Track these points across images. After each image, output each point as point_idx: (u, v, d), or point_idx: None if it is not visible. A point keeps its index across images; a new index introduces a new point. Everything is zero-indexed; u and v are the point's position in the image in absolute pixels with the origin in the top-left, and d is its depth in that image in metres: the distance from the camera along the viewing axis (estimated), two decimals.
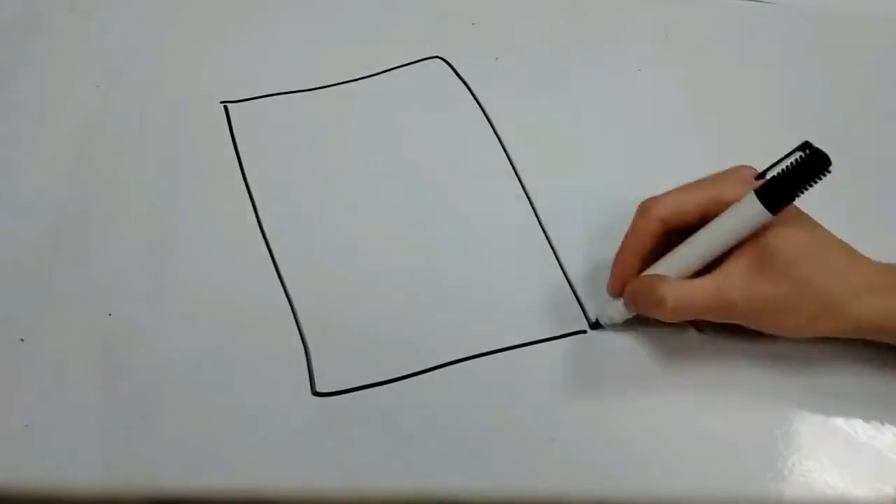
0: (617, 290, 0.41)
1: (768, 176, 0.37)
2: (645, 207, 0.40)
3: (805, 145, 0.37)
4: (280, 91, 0.53)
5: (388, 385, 0.40)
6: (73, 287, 0.43)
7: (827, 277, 0.37)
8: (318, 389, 0.40)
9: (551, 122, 0.52)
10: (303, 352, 0.41)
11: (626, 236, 0.41)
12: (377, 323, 0.42)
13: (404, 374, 0.41)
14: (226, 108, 0.52)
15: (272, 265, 0.44)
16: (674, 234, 0.40)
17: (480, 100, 0.53)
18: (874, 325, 0.38)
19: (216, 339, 0.41)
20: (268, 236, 0.45)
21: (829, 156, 0.35)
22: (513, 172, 0.49)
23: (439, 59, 0.55)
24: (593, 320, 0.43)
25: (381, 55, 0.55)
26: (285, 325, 0.42)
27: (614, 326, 0.42)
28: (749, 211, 0.37)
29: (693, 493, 0.38)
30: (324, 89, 0.53)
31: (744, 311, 0.38)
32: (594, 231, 0.46)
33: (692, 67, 0.55)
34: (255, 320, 0.42)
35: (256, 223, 0.46)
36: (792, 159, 0.36)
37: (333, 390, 0.40)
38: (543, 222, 0.47)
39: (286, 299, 0.43)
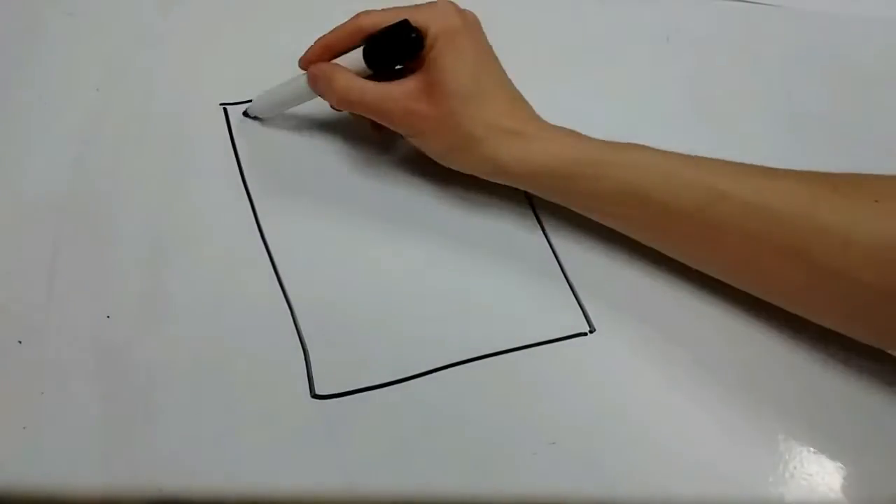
0: (304, 64, 0.46)
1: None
2: (358, 16, 0.44)
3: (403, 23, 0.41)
4: None
5: (387, 388, 0.40)
6: (71, 289, 0.43)
7: (474, 113, 0.41)
8: (318, 392, 0.40)
9: (553, 124, 0.52)
10: (302, 354, 0.41)
11: (332, 30, 0.45)
12: (376, 325, 0.42)
13: (403, 376, 0.40)
14: (225, 110, 0.52)
15: (271, 267, 0.44)
16: None
17: None
18: (505, 166, 0.42)
19: (215, 341, 0.41)
20: (267, 238, 0.45)
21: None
22: None
23: None
24: (247, 113, 0.50)
25: None
26: (284, 328, 0.42)
27: (264, 116, 0.49)
28: None
29: (694, 497, 0.38)
30: None
31: (397, 122, 0.43)
32: (595, 234, 0.46)
33: (693, 69, 0.55)
34: (254, 322, 0.42)
35: (255, 225, 0.46)
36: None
37: (332, 393, 0.40)
38: (543, 222, 0.47)
39: (285, 302, 0.43)
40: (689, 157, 0.41)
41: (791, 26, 0.58)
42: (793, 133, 0.51)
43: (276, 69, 0.54)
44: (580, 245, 0.46)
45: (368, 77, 0.43)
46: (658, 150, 0.41)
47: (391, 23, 0.42)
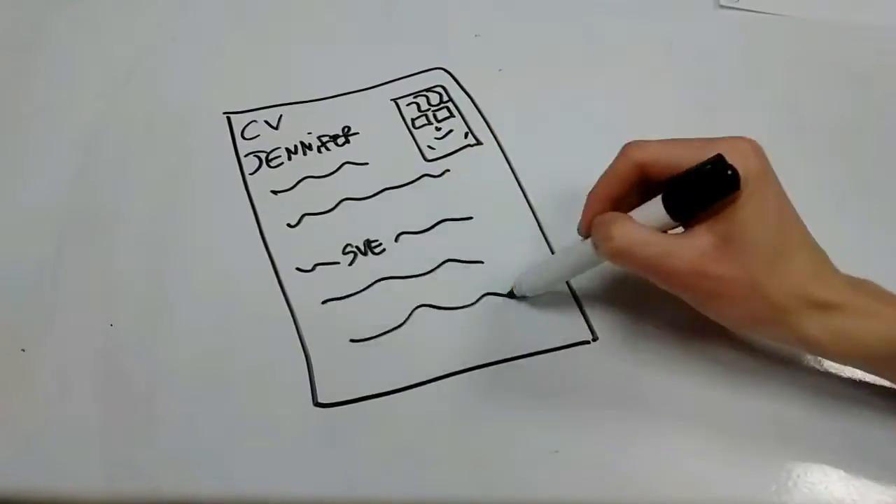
0: (585, 231, 0.39)
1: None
2: (626, 149, 0.38)
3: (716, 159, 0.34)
4: (283, 102, 0.53)
5: (389, 396, 0.40)
6: (74, 297, 0.43)
7: (784, 282, 0.35)
8: (320, 400, 0.40)
9: (554, 132, 0.52)
10: (304, 362, 0.41)
11: (602, 175, 0.39)
12: (379, 333, 0.42)
13: (406, 384, 0.40)
14: (228, 118, 0.52)
15: (274, 275, 0.44)
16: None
17: (483, 110, 0.53)
18: (818, 344, 0.36)
19: (217, 348, 0.41)
20: (269, 246, 0.45)
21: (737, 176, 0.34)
22: (515, 181, 0.49)
23: (442, 71, 0.55)
24: (510, 290, 0.43)
25: (384, 66, 0.55)
26: (287, 336, 0.42)
27: (532, 293, 0.42)
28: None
29: None
30: (327, 100, 0.53)
31: (685, 286, 0.36)
32: None
33: (695, 78, 0.55)
34: (256, 331, 0.42)
35: (258, 233, 0.46)
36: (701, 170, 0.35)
37: (335, 401, 0.40)
38: (546, 232, 0.47)
39: (288, 309, 0.43)
40: None
41: (792, 35, 0.58)
42: (795, 141, 0.51)
43: (279, 78, 0.54)
44: None
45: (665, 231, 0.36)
46: None
47: (674, 154, 0.35)
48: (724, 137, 0.36)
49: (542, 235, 0.46)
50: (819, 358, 0.41)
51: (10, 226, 0.46)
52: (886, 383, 0.39)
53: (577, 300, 0.44)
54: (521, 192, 0.48)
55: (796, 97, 0.54)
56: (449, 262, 0.45)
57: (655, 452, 0.39)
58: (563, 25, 0.59)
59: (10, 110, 0.52)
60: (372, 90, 0.54)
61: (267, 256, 0.45)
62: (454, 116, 0.52)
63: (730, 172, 0.33)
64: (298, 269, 0.45)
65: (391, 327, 0.42)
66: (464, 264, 0.45)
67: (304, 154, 0.50)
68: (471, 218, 0.47)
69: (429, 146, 0.51)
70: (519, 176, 0.49)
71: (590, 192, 0.39)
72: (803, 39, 0.58)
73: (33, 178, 0.48)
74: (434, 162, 0.50)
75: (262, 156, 0.50)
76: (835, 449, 0.39)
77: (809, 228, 0.46)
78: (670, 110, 0.53)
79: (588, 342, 0.42)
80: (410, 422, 0.39)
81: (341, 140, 0.51)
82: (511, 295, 0.43)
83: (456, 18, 0.59)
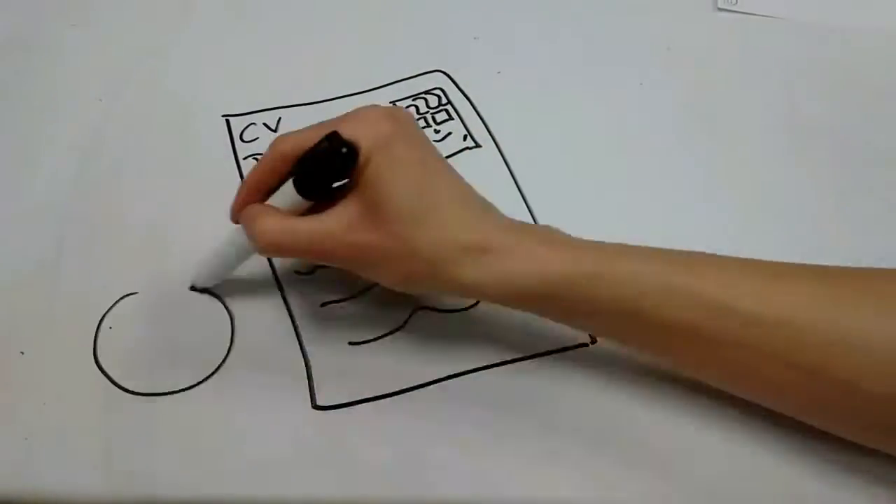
0: (233, 217, 0.40)
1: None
2: (274, 141, 0.38)
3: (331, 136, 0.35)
4: (282, 104, 0.53)
5: (388, 399, 0.40)
6: (73, 300, 0.43)
7: (435, 234, 0.35)
8: (319, 403, 0.40)
9: (553, 134, 0.52)
10: (303, 365, 0.41)
11: (254, 167, 0.39)
12: (378, 336, 0.42)
13: (405, 387, 0.40)
14: (227, 121, 0.52)
15: (273, 277, 0.44)
16: None
17: (482, 112, 0.53)
18: (477, 288, 0.36)
19: (217, 351, 0.41)
20: None
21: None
22: (514, 184, 0.49)
23: (441, 73, 0.55)
24: (195, 287, 0.43)
25: (383, 69, 0.55)
26: (286, 339, 0.42)
27: (211, 286, 0.42)
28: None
29: None
30: (326, 102, 0.53)
31: (342, 259, 0.37)
32: None
33: (693, 80, 0.55)
34: (256, 333, 0.42)
35: None
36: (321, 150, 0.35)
37: (334, 404, 0.40)
38: None
39: (287, 312, 0.43)
40: (686, 259, 0.36)
41: (791, 38, 0.58)
42: (793, 145, 0.51)
43: (278, 81, 0.54)
44: None
45: (308, 210, 0.37)
46: (651, 254, 0.37)
47: (316, 140, 0.36)
48: (354, 110, 0.37)
49: None
50: None
51: (9, 226, 0.46)
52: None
53: None
54: (519, 195, 0.49)
55: (794, 99, 0.54)
56: None
57: (652, 454, 0.39)
58: (561, 28, 0.59)
59: (10, 112, 0.52)
60: (371, 93, 0.54)
61: (266, 259, 0.45)
62: (453, 119, 0.53)
63: (344, 149, 0.34)
64: (297, 271, 0.45)
65: (390, 330, 0.42)
66: None
67: None
68: None
69: None
70: (517, 178, 0.49)
71: (241, 183, 0.39)
72: (801, 42, 0.58)
73: (33, 181, 0.48)
74: None
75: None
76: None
77: (809, 228, 0.47)
78: (668, 112, 0.53)
79: (587, 345, 0.42)
80: (408, 425, 0.39)
81: None
82: (193, 289, 0.43)
83: (455, 21, 0.59)
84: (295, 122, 0.51)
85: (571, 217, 0.47)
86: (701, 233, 0.46)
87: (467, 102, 0.54)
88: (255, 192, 0.38)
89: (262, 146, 0.50)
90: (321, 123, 0.37)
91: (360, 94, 0.54)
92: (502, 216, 0.38)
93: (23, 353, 0.41)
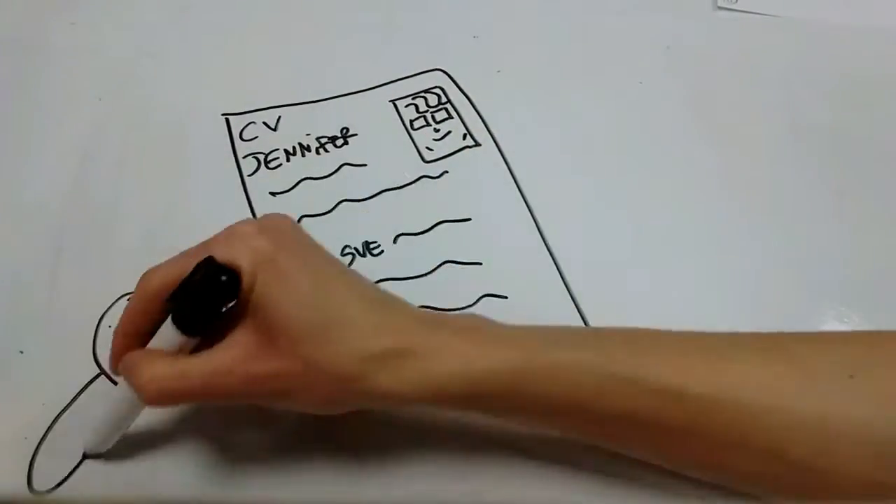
0: (113, 369, 0.35)
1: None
2: (140, 280, 0.34)
3: (206, 261, 0.32)
4: (282, 103, 0.53)
5: None
6: (73, 299, 0.43)
7: (342, 349, 0.31)
8: None
9: (552, 133, 0.52)
10: None
11: (124, 311, 0.35)
12: None
13: None
14: (227, 119, 0.52)
15: None
16: None
17: (482, 111, 0.53)
18: (398, 394, 0.32)
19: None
20: None
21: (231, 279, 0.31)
22: (513, 183, 0.49)
23: (441, 72, 0.55)
24: (87, 455, 0.37)
25: (382, 67, 0.55)
26: None
27: (104, 451, 0.37)
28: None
29: None
30: (326, 101, 0.53)
31: (244, 396, 0.33)
32: (595, 242, 0.46)
33: (693, 79, 0.55)
34: None
35: None
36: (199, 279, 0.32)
37: None
38: (544, 233, 0.47)
39: None
40: (626, 339, 0.34)
41: (790, 36, 0.58)
42: (793, 144, 0.51)
43: (278, 79, 0.54)
44: (580, 254, 0.46)
45: (197, 347, 0.33)
46: (587, 341, 0.34)
47: (188, 270, 0.32)
48: (220, 233, 0.34)
49: (540, 237, 0.46)
50: None
51: (8, 227, 0.46)
52: None
53: (575, 301, 0.44)
54: (519, 194, 0.49)
55: (794, 98, 0.54)
56: (447, 264, 0.45)
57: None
58: (561, 27, 0.59)
59: (9, 110, 0.52)
60: (370, 91, 0.54)
61: None
62: (452, 118, 0.53)
63: (224, 277, 0.31)
64: None
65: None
66: (462, 266, 0.45)
67: (303, 155, 0.50)
68: (469, 219, 0.47)
69: (427, 148, 0.51)
70: (517, 177, 0.49)
71: (114, 330, 0.35)
72: (801, 41, 0.58)
73: (31, 180, 0.48)
74: (432, 163, 0.50)
75: (261, 157, 0.50)
76: None
77: (807, 228, 0.47)
78: (668, 112, 0.53)
79: None
80: (406, 423, 0.39)
81: (340, 141, 0.51)
82: (86, 457, 0.37)
83: (454, 20, 0.59)
84: (295, 120, 0.51)
85: (571, 217, 0.48)
86: (700, 232, 0.47)
87: (467, 101, 0.54)
88: (130, 338, 0.34)
89: (261, 145, 0.50)
90: (187, 251, 0.34)
91: (360, 93, 0.54)
92: (413, 309, 0.35)
93: (22, 352, 0.41)
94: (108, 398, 0.36)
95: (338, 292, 0.33)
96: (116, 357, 0.34)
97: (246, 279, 0.32)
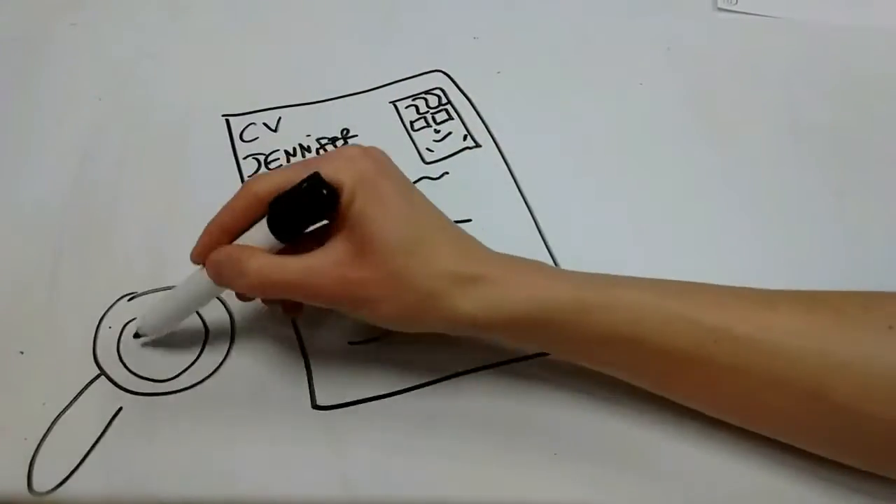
0: (197, 258, 0.38)
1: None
2: (247, 182, 0.37)
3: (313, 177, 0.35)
4: (281, 104, 0.53)
5: (388, 398, 0.40)
6: (73, 300, 0.43)
7: (428, 267, 0.35)
8: (319, 403, 0.40)
9: (553, 134, 0.52)
10: (303, 365, 0.41)
11: (222, 207, 0.38)
12: (378, 335, 0.42)
13: (405, 387, 0.40)
14: (227, 121, 0.52)
15: None
16: None
17: (482, 112, 0.53)
18: (470, 318, 0.35)
19: (217, 351, 0.41)
20: None
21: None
22: (514, 184, 0.49)
23: (441, 73, 0.55)
24: (138, 334, 0.41)
25: (383, 68, 0.55)
26: (286, 339, 0.42)
27: (157, 334, 0.40)
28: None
29: None
30: (326, 102, 0.53)
31: (332, 297, 0.36)
32: (594, 242, 0.46)
33: (694, 80, 0.55)
34: (256, 333, 0.42)
35: None
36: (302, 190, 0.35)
37: (334, 404, 0.40)
38: (545, 234, 0.47)
39: None
40: (679, 287, 0.36)
41: (791, 37, 0.58)
42: (793, 145, 0.51)
43: (278, 80, 0.54)
44: (580, 254, 0.46)
45: (278, 254, 0.36)
46: (642, 283, 0.36)
47: (293, 182, 0.35)
48: (332, 151, 0.37)
49: (540, 237, 0.47)
50: None
51: (8, 227, 0.46)
52: None
53: None
54: (519, 195, 0.49)
55: (794, 99, 0.54)
56: None
57: (653, 459, 0.39)
58: (561, 27, 0.59)
59: (9, 111, 0.52)
60: (370, 92, 0.54)
61: None
62: (453, 119, 0.53)
63: (325, 191, 0.34)
64: None
65: (391, 330, 0.42)
66: None
67: (303, 156, 0.50)
68: (469, 220, 0.47)
69: (427, 149, 0.51)
70: (517, 178, 0.49)
71: (209, 223, 0.38)
72: (801, 41, 0.58)
73: (32, 180, 0.48)
74: (433, 164, 0.50)
75: (261, 158, 0.50)
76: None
77: (807, 229, 0.47)
78: (668, 112, 0.53)
79: None
80: (408, 425, 0.39)
81: (340, 142, 0.51)
82: (137, 336, 0.41)
83: (454, 21, 0.59)
84: (295, 121, 0.51)
85: (572, 217, 0.48)
86: (700, 231, 0.47)
87: (467, 102, 0.54)
88: (223, 234, 0.37)
89: (262, 146, 0.51)
90: (297, 163, 0.37)
91: (360, 94, 0.54)
92: (489, 249, 0.38)
93: (22, 352, 0.41)
94: (176, 288, 0.39)
95: (428, 218, 0.37)
96: (206, 248, 0.37)
97: (346, 196, 0.35)
